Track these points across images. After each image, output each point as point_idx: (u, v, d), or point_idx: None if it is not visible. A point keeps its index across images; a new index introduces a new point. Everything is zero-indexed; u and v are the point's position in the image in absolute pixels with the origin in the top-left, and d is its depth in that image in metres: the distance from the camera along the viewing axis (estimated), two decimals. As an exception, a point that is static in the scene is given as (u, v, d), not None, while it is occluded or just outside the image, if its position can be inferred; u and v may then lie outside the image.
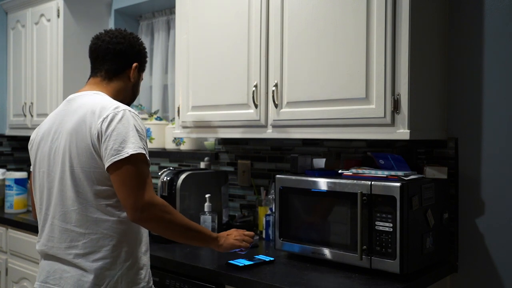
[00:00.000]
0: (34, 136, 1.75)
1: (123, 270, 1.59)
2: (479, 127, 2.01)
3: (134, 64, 1.79)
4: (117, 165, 1.51)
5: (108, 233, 1.58)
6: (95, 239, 1.57)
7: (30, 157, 1.76)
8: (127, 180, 1.52)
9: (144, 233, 1.70)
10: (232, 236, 1.88)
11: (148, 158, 1.58)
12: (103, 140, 1.54)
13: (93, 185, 1.56)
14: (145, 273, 1.67)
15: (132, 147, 1.52)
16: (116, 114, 1.56)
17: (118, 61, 1.76)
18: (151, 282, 1.71)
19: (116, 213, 1.58)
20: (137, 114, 1.63)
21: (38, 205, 1.70)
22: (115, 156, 1.51)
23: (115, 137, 1.53)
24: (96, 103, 1.61)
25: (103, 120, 1.55)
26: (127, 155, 1.51)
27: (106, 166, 1.53)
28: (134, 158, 1.52)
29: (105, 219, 1.57)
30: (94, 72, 1.78)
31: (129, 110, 1.60)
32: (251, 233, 1.96)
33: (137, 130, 1.57)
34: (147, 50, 2.13)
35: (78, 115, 1.61)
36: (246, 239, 1.90)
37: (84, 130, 1.57)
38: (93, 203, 1.57)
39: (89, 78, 1.79)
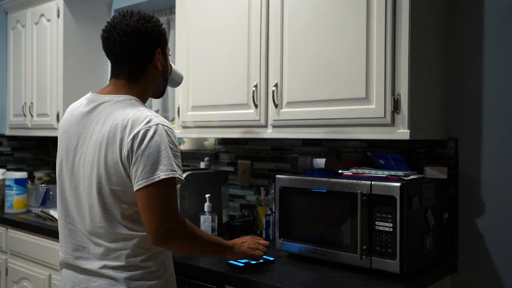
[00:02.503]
0: (60, 132, 1.66)
1: (153, 280, 1.56)
2: (479, 127, 2.01)
3: (157, 51, 1.63)
4: (145, 187, 1.45)
5: (137, 249, 1.53)
6: (125, 254, 1.53)
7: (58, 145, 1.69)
8: (152, 204, 1.45)
9: None
10: (246, 244, 1.82)
11: (180, 177, 1.51)
12: (133, 161, 1.46)
13: (121, 202, 1.51)
14: (172, 280, 1.66)
15: (164, 170, 1.45)
16: (148, 130, 1.46)
17: (139, 60, 1.61)
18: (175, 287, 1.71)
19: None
20: (171, 127, 1.53)
21: (59, 210, 1.65)
22: (145, 180, 1.44)
23: (146, 158, 1.45)
24: (127, 113, 1.51)
25: (134, 137, 1.46)
26: (158, 179, 1.44)
27: (135, 188, 1.46)
28: (164, 182, 1.45)
29: (134, 235, 1.53)
30: (116, 74, 1.63)
31: (162, 124, 1.49)
32: (266, 242, 1.89)
33: (170, 148, 1.48)
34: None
35: (107, 126, 1.51)
36: (260, 248, 1.84)
37: (114, 146, 1.48)
38: (121, 221, 1.52)
39: (111, 78, 1.65)
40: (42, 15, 3.41)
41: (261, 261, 1.92)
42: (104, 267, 1.53)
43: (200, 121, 2.44)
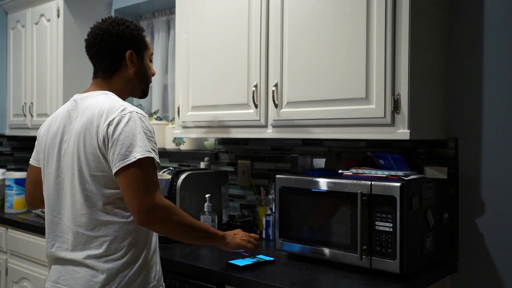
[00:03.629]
0: (43, 132, 1.73)
1: (134, 271, 1.59)
2: (479, 127, 2.01)
3: (128, 53, 1.72)
4: (124, 169, 1.51)
5: (118, 235, 1.57)
6: (106, 241, 1.57)
7: (38, 152, 1.75)
8: (133, 184, 1.50)
9: (154, 232, 1.69)
10: (239, 236, 1.88)
11: (157, 160, 1.56)
12: (110, 145, 1.52)
13: (102, 188, 1.56)
14: (156, 273, 1.67)
15: (139, 151, 1.51)
16: (122, 117, 1.54)
17: (109, 58, 1.71)
18: (162, 280, 1.71)
19: (126, 214, 1.58)
20: (145, 115, 1.61)
21: (46, 206, 1.70)
22: (122, 162, 1.50)
23: (122, 141, 1.51)
24: (103, 104, 1.59)
25: (109, 124, 1.53)
26: (134, 159, 1.50)
27: (113, 171, 1.52)
28: (141, 162, 1.51)
29: (114, 221, 1.57)
30: (94, 74, 1.76)
31: (136, 112, 1.57)
32: (257, 235, 1.96)
33: (144, 132, 1.55)
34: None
35: (85, 117, 1.59)
36: (251, 241, 1.91)
37: (91, 134, 1.56)
38: (101, 207, 1.57)
39: (92, 79, 1.77)
40: (42, 15, 3.41)
41: (255, 260, 1.95)
42: (87, 257, 1.57)
43: (200, 121, 2.44)
